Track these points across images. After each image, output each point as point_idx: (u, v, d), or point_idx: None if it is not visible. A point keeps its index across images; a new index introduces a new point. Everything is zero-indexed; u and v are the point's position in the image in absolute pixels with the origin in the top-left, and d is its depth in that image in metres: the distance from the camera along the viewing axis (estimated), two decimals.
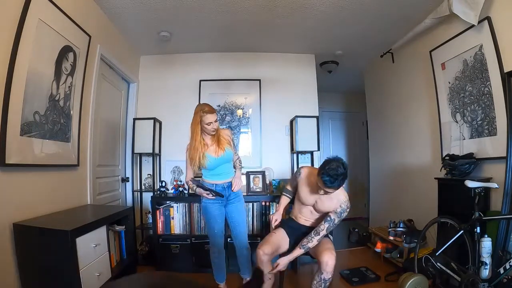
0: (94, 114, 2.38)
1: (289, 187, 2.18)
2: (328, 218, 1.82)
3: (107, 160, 2.77)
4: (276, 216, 2.06)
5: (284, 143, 3.38)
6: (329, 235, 1.96)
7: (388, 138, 3.55)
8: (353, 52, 3.46)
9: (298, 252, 1.84)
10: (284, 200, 2.16)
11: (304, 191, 1.96)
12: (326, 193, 1.74)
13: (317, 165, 3.28)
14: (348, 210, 1.84)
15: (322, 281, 1.75)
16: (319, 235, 1.81)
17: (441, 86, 2.56)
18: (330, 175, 1.65)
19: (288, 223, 2.08)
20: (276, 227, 2.09)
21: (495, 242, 1.75)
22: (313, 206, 1.94)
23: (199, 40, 3.12)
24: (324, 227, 1.82)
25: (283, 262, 1.84)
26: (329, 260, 1.71)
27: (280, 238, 1.98)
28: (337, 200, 1.83)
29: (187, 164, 2.08)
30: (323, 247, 1.81)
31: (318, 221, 1.94)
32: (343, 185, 1.79)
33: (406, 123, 3.17)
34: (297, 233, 2.00)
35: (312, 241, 1.81)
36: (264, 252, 1.86)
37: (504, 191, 1.80)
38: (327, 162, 1.71)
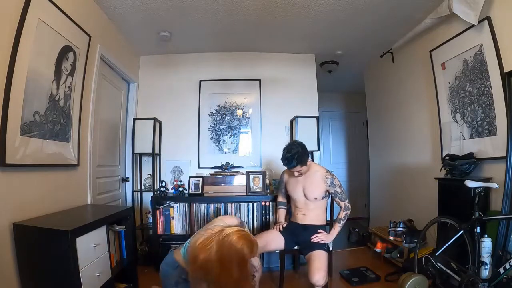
0: (94, 114, 2.38)
1: (280, 199, 2.35)
2: (333, 193, 2.06)
3: (107, 160, 2.77)
4: (280, 223, 2.20)
5: (284, 143, 3.27)
6: (329, 245, 2.04)
7: (388, 138, 3.55)
8: (353, 52, 3.45)
9: (336, 229, 2.06)
10: (281, 212, 2.31)
11: (291, 187, 2.16)
12: (299, 174, 2.00)
13: None
14: (334, 176, 2.07)
15: None
16: (341, 207, 2.07)
17: (441, 86, 2.56)
18: (286, 158, 1.95)
19: (288, 225, 2.19)
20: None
21: (495, 242, 1.75)
22: (304, 195, 2.08)
23: (199, 40, 3.12)
24: (338, 201, 2.06)
25: (329, 239, 2.02)
26: (317, 281, 1.77)
27: (272, 237, 2.08)
28: (320, 176, 2.04)
29: None
30: (312, 264, 1.85)
31: (313, 213, 2.11)
32: (320, 165, 2.14)
33: (406, 123, 3.17)
34: (296, 232, 2.10)
35: (340, 214, 2.06)
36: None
37: (504, 191, 1.80)
38: (283, 150, 2.02)
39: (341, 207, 2.05)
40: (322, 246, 1.97)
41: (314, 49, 3.41)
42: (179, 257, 1.58)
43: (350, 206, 2.06)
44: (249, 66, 3.47)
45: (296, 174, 2.01)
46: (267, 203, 2.68)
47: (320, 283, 1.76)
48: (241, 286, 1.30)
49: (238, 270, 1.27)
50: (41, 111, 1.70)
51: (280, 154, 2.03)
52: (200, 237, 1.42)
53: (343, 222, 2.04)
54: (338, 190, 2.04)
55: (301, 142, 2.05)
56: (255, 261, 1.57)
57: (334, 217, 2.45)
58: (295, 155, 1.92)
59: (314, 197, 2.05)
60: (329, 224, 2.42)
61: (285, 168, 2.14)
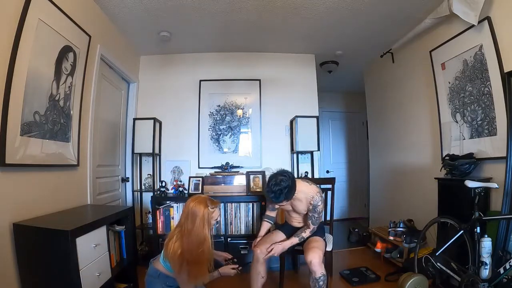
0: (94, 114, 2.38)
1: (268, 212, 2.19)
2: (310, 215, 1.95)
3: (107, 160, 2.77)
4: (259, 237, 2.08)
5: (284, 143, 3.38)
6: (328, 234, 1.99)
7: (388, 138, 3.55)
8: (353, 52, 3.45)
9: (293, 240, 1.93)
10: (266, 225, 2.16)
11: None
12: (281, 205, 1.85)
13: (316, 165, 3.30)
14: (320, 200, 1.90)
15: (315, 281, 1.78)
16: (309, 228, 1.95)
17: (441, 86, 2.56)
18: (273, 191, 1.74)
19: (285, 226, 2.18)
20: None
21: (495, 242, 1.75)
22: (293, 210, 2.03)
23: (199, 40, 3.12)
24: (309, 223, 1.95)
25: (277, 248, 1.89)
26: (312, 259, 1.75)
27: (277, 238, 2.03)
28: (305, 199, 1.92)
29: None
30: (308, 245, 1.85)
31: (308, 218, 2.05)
32: (311, 184, 1.96)
33: (406, 123, 3.17)
34: (293, 230, 2.08)
35: (305, 232, 1.95)
36: (262, 250, 1.89)
37: (504, 191, 1.80)
38: (270, 178, 1.80)
39: (309, 228, 1.96)
40: (320, 234, 1.99)
41: (314, 49, 3.41)
42: (159, 265, 1.62)
43: (316, 229, 1.99)
44: (249, 66, 3.47)
45: (276, 206, 1.91)
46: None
47: (313, 262, 1.73)
48: (203, 239, 1.50)
49: (200, 224, 1.51)
50: (41, 111, 1.70)
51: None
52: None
53: (302, 240, 1.97)
54: (315, 215, 1.93)
55: (291, 173, 1.82)
56: (215, 213, 1.60)
57: (328, 217, 2.47)
58: (285, 189, 1.72)
59: (304, 213, 2.02)
60: (328, 224, 2.43)
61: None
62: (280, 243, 1.94)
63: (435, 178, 2.38)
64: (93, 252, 1.55)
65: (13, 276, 1.47)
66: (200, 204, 1.54)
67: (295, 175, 3.16)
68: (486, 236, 1.68)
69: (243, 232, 2.68)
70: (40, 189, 1.72)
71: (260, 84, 3.42)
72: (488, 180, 2.01)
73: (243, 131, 3.39)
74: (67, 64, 1.94)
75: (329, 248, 2.20)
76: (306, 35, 3.04)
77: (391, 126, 3.49)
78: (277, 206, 1.94)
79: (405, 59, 3.18)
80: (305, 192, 1.91)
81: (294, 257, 2.73)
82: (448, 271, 1.86)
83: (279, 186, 1.73)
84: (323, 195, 2.02)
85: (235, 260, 1.82)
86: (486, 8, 1.99)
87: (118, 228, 1.93)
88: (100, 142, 2.59)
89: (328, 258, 2.27)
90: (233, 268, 1.72)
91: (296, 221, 2.11)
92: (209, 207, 1.55)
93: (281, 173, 1.80)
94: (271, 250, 1.88)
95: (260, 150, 3.35)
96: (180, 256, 1.47)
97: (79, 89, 2.11)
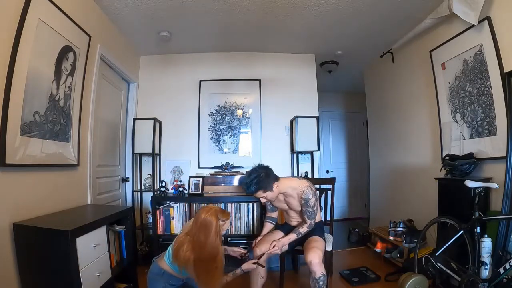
0: (94, 114, 2.38)
1: (269, 213, 2.21)
2: (303, 210, 1.95)
3: (107, 160, 2.77)
4: (258, 238, 2.10)
5: (284, 143, 3.38)
6: (328, 234, 1.99)
7: (388, 138, 3.55)
8: (353, 52, 3.45)
9: (291, 236, 1.94)
10: (268, 226, 2.18)
11: (277, 204, 2.09)
12: (265, 199, 1.90)
13: (316, 165, 3.30)
14: (311, 193, 1.89)
15: (315, 281, 1.79)
16: (306, 223, 1.95)
17: (441, 86, 2.56)
18: (245, 183, 1.84)
19: (285, 226, 2.18)
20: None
21: (495, 242, 1.75)
22: (290, 208, 2.05)
23: (199, 40, 3.12)
24: (305, 218, 1.95)
25: (278, 244, 1.90)
26: (312, 259, 1.75)
27: (276, 237, 2.04)
28: (296, 194, 1.93)
29: None
30: (308, 245, 1.85)
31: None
32: (301, 179, 1.98)
33: (406, 123, 3.17)
34: (292, 229, 2.07)
35: (302, 227, 1.95)
36: (261, 250, 1.90)
37: (504, 191, 1.80)
38: (246, 172, 1.87)
39: (305, 223, 1.95)
40: (319, 234, 1.99)
41: (314, 49, 3.41)
42: (165, 265, 1.62)
43: (313, 224, 1.98)
44: (249, 66, 3.47)
45: (262, 200, 1.91)
46: None
47: (313, 262, 1.74)
48: (214, 248, 1.51)
49: (212, 237, 1.50)
50: (41, 111, 1.70)
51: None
52: (177, 239, 1.63)
53: (300, 236, 1.97)
54: (309, 210, 1.92)
55: (267, 166, 1.90)
56: (226, 225, 1.61)
57: (328, 217, 2.47)
58: (254, 179, 1.79)
59: (299, 209, 2.02)
60: (328, 224, 2.43)
61: None
62: (278, 240, 1.95)
63: (435, 178, 2.38)
64: (93, 252, 1.55)
65: (13, 276, 1.47)
66: (212, 217, 1.53)
67: (295, 175, 3.17)
68: (486, 236, 1.68)
69: (243, 232, 2.68)
70: (40, 189, 1.72)
71: (260, 84, 3.42)
72: (488, 180, 2.01)
73: (243, 131, 3.39)
74: (67, 64, 1.94)
75: (329, 248, 2.20)
76: (306, 35, 3.04)
77: (391, 126, 3.49)
78: (263, 201, 1.95)
79: (405, 59, 3.18)
80: (295, 187, 1.92)
81: (294, 257, 2.73)
82: (448, 271, 1.86)
83: (249, 177, 1.82)
84: (315, 188, 1.99)
85: (248, 254, 1.87)
86: (486, 8, 1.99)
87: (118, 228, 1.93)
88: (100, 142, 2.59)
89: (328, 258, 2.28)
90: (253, 263, 1.78)
91: (295, 220, 2.11)
92: (219, 220, 1.55)
93: (254, 166, 1.89)
94: (273, 247, 1.89)
95: (260, 150, 3.34)
96: (193, 264, 1.48)
97: (79, 89, 2.11)
